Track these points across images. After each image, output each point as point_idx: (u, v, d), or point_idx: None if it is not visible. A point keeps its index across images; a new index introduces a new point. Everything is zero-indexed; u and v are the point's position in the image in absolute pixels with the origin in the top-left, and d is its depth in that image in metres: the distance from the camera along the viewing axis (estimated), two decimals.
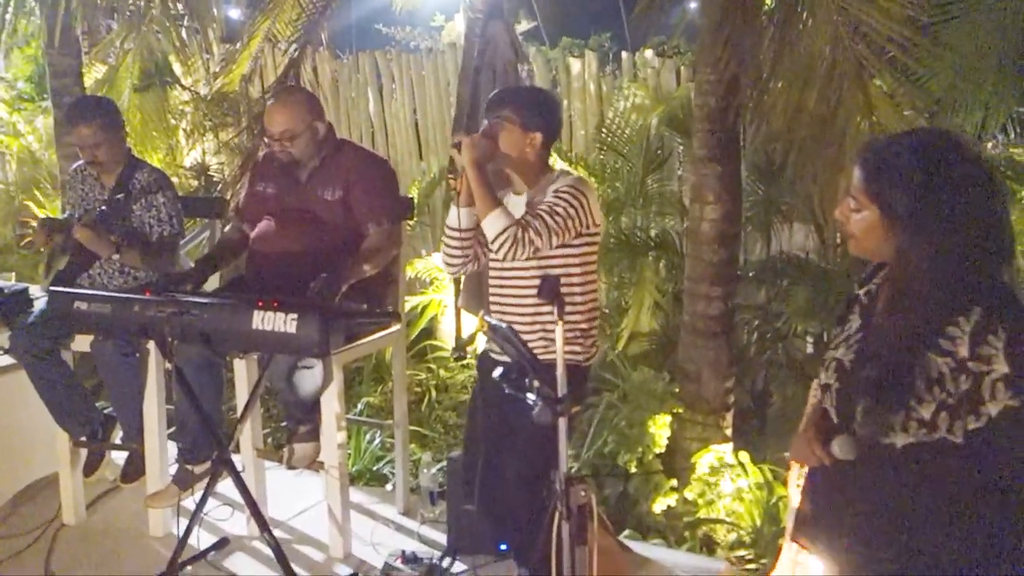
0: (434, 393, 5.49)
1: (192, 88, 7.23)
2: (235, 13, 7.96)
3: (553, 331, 2.14)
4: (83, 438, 3.48)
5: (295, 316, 2.51)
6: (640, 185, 5.08)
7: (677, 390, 4.09)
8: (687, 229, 4.23)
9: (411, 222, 5.14)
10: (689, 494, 3.93)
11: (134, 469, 3.49)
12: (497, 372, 1.98)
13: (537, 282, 2.24)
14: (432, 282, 5.78)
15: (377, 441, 4.81)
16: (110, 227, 3.27)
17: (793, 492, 2.67)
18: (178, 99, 7.30)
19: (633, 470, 3.95)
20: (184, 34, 6.92)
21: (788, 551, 2.41)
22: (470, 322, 4.78)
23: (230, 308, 2.61)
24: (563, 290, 2.25)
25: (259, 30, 7.13)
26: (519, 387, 1.92)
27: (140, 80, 6.69)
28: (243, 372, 3.25)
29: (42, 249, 3.52)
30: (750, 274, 5.05)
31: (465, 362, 5.54)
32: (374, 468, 4.54)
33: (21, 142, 8.08)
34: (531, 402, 1.90)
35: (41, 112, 7.95)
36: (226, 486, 3.71)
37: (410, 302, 5.43)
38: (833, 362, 1.85)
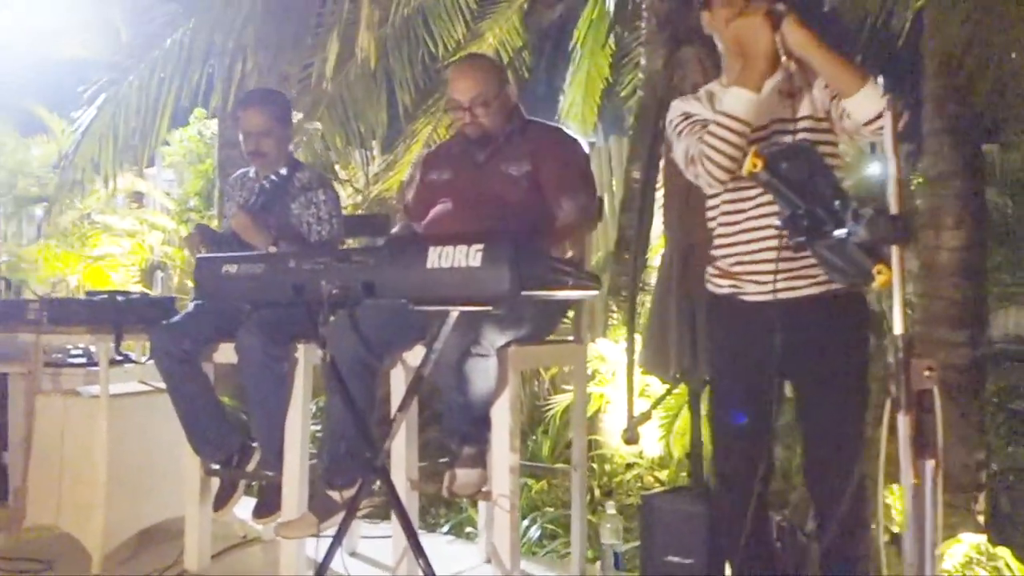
0: (597, 493, 4.82)
1: (352, 184, 7.21)
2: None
3: None
4: (216, 465, 3.03)
5: (480, 247, 2.04)
6: None
7: None
8: (920, 265, 3.57)
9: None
10: None
11: (269, 503, 2.98)
12: (782, 217, 1.38)
13: None
14: (594, 375, 5.21)
15: (536, 531, 4.16)
16: (267, 223, 2.97)
17: None
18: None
19: None
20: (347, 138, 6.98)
21: None
22: (642, 400, 4.19)
23: (399, 249, 2.19)
24: None
25: (420, 136, 7.10)
26: (815, 229, 1.33)
27: None
28: (400, 384, 2.77)
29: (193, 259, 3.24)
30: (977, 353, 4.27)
31: (634, 459, 4.89)
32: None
33: (184, 254, 8.21)
34: (846, 231, 1.30)
35: (206, 220, 8.09)
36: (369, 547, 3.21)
37: (569, 396, 4.86)
38: None
